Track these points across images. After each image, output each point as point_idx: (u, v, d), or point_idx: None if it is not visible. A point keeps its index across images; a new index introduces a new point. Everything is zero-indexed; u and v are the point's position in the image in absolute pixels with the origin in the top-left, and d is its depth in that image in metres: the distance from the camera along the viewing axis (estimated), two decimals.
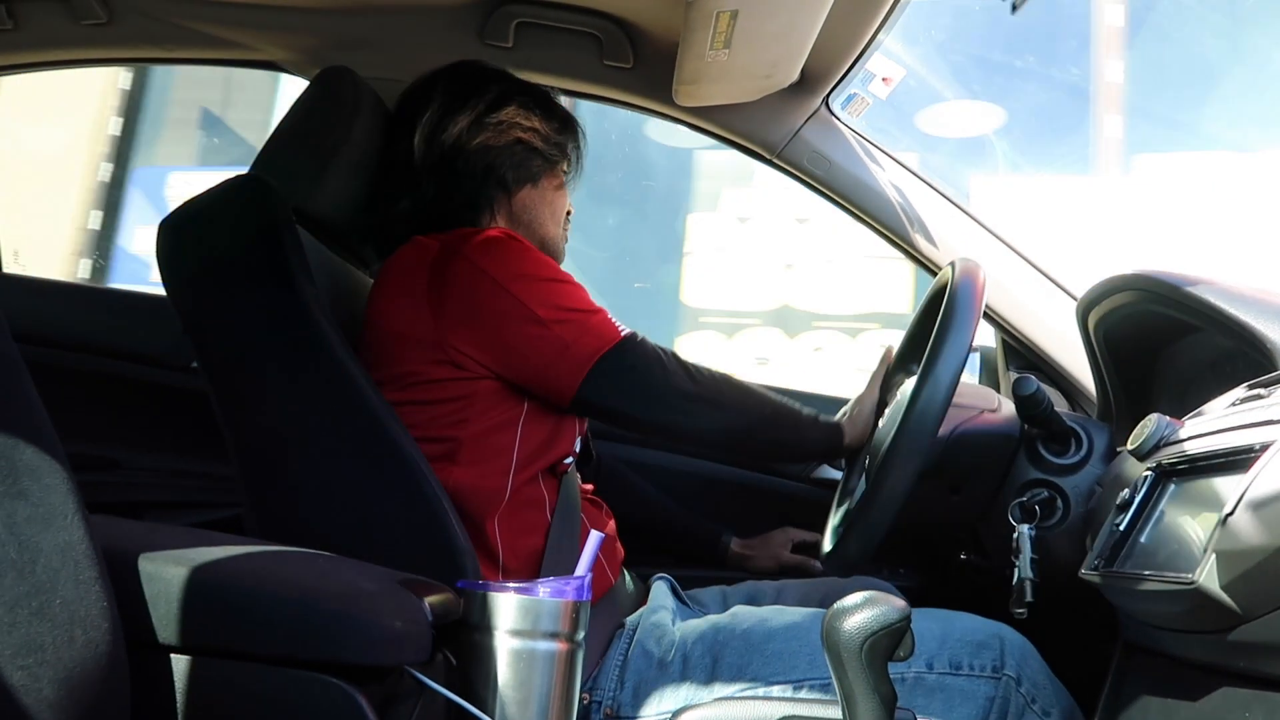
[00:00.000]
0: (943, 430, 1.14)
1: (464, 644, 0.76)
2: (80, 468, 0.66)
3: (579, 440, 1.27)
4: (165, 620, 0.74)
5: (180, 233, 1.21)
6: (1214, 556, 0.72)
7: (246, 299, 1.17)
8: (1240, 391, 0.94)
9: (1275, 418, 0.79)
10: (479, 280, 1.16)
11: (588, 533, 0.82)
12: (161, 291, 1.23)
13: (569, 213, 1.39)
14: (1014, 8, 1.14)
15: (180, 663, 0.74)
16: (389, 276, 1.24)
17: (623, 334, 1.17)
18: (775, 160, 1.62)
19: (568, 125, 1.35)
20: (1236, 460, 0.80)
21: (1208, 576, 0.72)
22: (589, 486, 1.40)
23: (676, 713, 0.94)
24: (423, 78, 1.34)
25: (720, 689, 1.09)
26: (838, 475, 1.60)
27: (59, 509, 0.64)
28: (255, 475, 1.21)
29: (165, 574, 0.75)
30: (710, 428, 1.20)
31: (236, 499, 1.27)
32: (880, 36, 1.41)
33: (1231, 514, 0.73)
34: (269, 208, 1.17)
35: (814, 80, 1.51)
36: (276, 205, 1.17)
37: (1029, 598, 1.12)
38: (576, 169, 1.39)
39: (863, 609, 0.79)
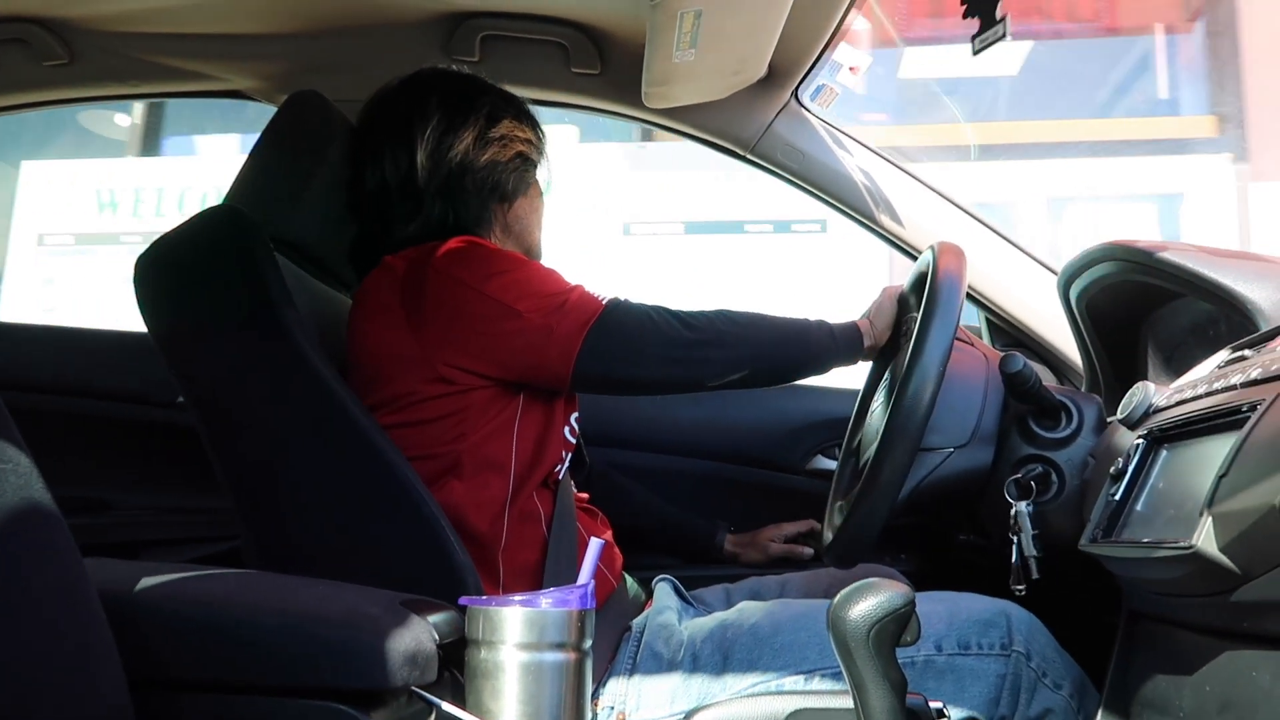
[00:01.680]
0: (908, 484, 1.14)
1: (471, 661, 0.76)
2: (71, 511, 0.66)
3: (567, 452, 1.26)
4: (166, 658, 0.73)
5: (157, 267, 1.20)
6: (1210, 519, 0.72)
7: (229, 330, 1.16)
8: (1224, 354, 0.94)
9: (1260, 377, 0.79)
10: (453, 289, 1.16)
11: (586, 541, 0.82)
12: (142, 329, 1.22)
13: None
14: (975, 52, 1.15)
15: (184, 700, 0.73)
16: (364, 301, 1.24)
17: (604, 303, 1.17)
18: (749, 156, 1.62)
19: (541, 132, 1.37)
20: (1226, 422, 0.80)
21: (1205, 539, 0.72)
22: (584, 496, 1.40)
23: (690, 712, 0.94)
24: (403, 91, 1.31)
25: (732, 685, 1.09)
26: (833, 466, 1.60)
27: (52, 554, 0.64)
28: (250, 506, 1.20)
29: (163, 611, 0.75)
30: (717, 369, 1.20)
31: (233, 532, 1.26)
32: (844, 26, 1.42)
33: (1225, 475, 0.73)
34: (246, 237, 1.17)
35: (782, 74, 1.52)
36: (253, 234, 1.17)
37: (1035, 575, 1.12)
38: (549, 172, 1.40)
39: (867, 597, 0.79)
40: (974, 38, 1.15)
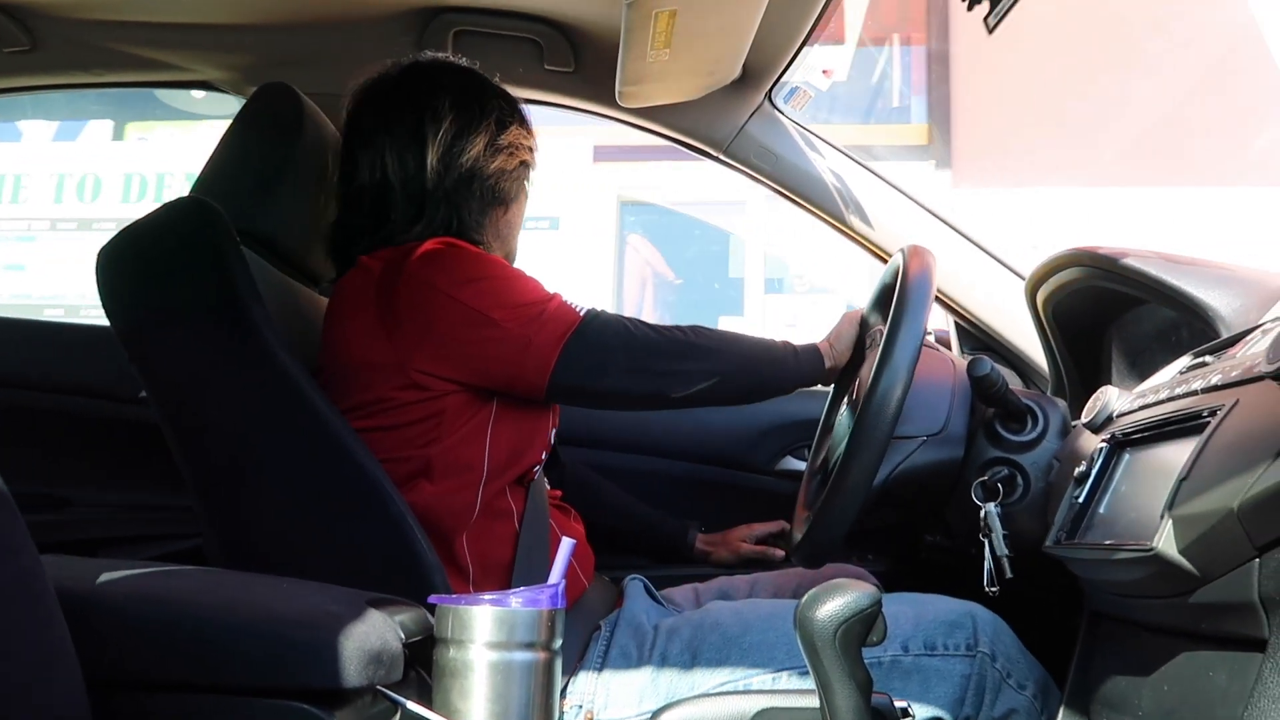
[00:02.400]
0: (882, 471, 1.16)
1: (439, 660, 0.75)
2: (29, 508, 0.64)
3: (546, 452, 1.26)
4: (125, 657, 0.72)
5: (120, 260, 1.18)
6: (1171, 522, 0.73)
7: (193, 324, 1.14)
8: (1186, 360, 0.96)
9: (1220, 383, 0.81)
10: (428, 294, 1.15)
11: (558, 540, 0.82)
12: (104, 322, 1.20)
13: None
14: (990, 29, 1.15)
15: (145, 700, 0.72)
16: (339, 303, 1.22)
17: (581, 314, 1.16)
18: (722, 157, 1.63)
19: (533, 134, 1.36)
20: (1187, 427, 0.82)
21: (1166, 542, 0.73)
22: (557, 492, 1.39)
23: (657, 711, 0.94)
24: (410, 83, 1.27)
25: (701, 684, 1.09)
26: (802, 466, 1.61)
27: (7, 551, 0.62)
28: (213, 503, 1.18)
29: (123, 609, 0.73)
30: (691, 384, 1.20)
31: (195, 529, 1.24)
32: (818, 29, 1.43)
33: (1185, 479, 0.74)
34: (212, 229, 1.15)
35: (756, 76, 1.52)
36: (220, 226, 1.15)
37: (1008, 574, 1.13)
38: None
39: (834, 597, 0.79)
40: (986, 18, 1.14)
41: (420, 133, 1.24)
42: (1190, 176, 4.32)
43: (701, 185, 4.96)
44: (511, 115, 1.29)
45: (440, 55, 1.34)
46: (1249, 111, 4.27)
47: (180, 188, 4.86)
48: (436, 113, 1.24)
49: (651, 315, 4.97)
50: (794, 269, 5.04)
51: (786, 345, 1.28)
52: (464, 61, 1.33)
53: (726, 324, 4.92)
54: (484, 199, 1.26)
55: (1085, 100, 4.27)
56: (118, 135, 5.10)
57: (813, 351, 1.29)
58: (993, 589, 1.14)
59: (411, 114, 1.25)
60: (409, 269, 1.16)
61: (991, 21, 1.12)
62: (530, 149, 1.31)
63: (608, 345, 1.16)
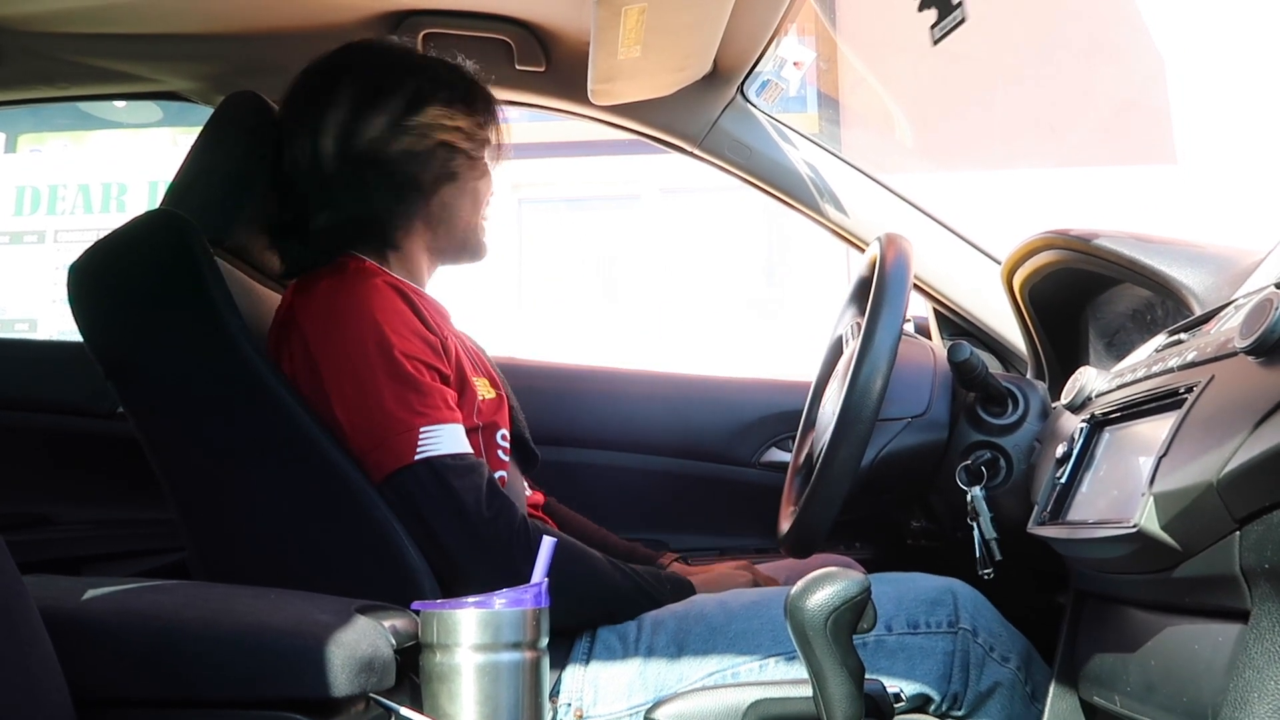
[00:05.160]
0: (867, 455, 1.16)
1: (426, 665, 0.75)
2: (9, 527, 0.64)
3: (500, 470, 1.21)
4: (113, 676, 0.71)
5: (93, 274, 1.17)
6: (1152, 499, 0.74)
7: (169, 337, 1.13)
8: (1162, 338, 0.97)
9: (1196, 359, 0.82)
10: (302, 342, 1.13)
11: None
12: (78, 338, 1.19)
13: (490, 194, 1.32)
14: (935, 41, 1.16)
15: (133, 717, 0.71)
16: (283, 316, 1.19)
17: (414, 458, 1.07)
18: (697, 152, 1.63)
19: (490, 111, 1.28)
20: (1164, 404, 0.82)
21: (1148, 518, 0.74)
22: (539, 499, 1.39)
23: (650, 706, 0.94)
24: (321, 63, 1.23)
25: (689, 675, 1.09)
26: (786, 458, 1.62)
27: None
28: (195, 516, 1.17)
29: (109, 627, 0.73)
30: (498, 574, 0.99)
31: (178, 544, 1.23)
32: (787, 22, 1.43)
33: (1165, 456, 0.75)
34: (185, 241, 1.14)
35: (728, 70, 1.53)
36: (192, 238, 1.14)
37: (998, 556, 1.14)
38: (499, 152, 1.31)
39: (823, 586, 0.80)
40: (933, 27, 1.16)
41: (316, 117, 1.19)
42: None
43: (597, 180, 5.03)
44: (432, 95, 1.21)
45: (372, 39, 1.28)
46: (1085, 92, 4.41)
47: (72, 199, 4.84)
48: (334, 96, 1.19)
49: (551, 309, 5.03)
50: (690, 258, 5.09)
51: (633, 578, 1.18)
52: (402, 43, 1.27)
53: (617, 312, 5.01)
54: (393, 187, 1.20)
55: (987, 92, 4.40)
56: (10, 147, 5.05)
57: (680, 581, 1.23)
58: (986, 571, 1.14)
59: (311, 99, 1.21)
60: (296, 309, 1.15)
61: (936, 34, 1.13)
62: (456, 130, 1.22)
63: (431, 498, 1.08)
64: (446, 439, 1.09)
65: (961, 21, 1.11)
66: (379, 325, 1.11)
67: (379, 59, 1.25)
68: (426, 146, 1.21)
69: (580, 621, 1.14)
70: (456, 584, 1.08)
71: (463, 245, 1.30)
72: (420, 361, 1.12)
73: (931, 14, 1.14)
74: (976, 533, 1.16)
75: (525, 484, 1.34)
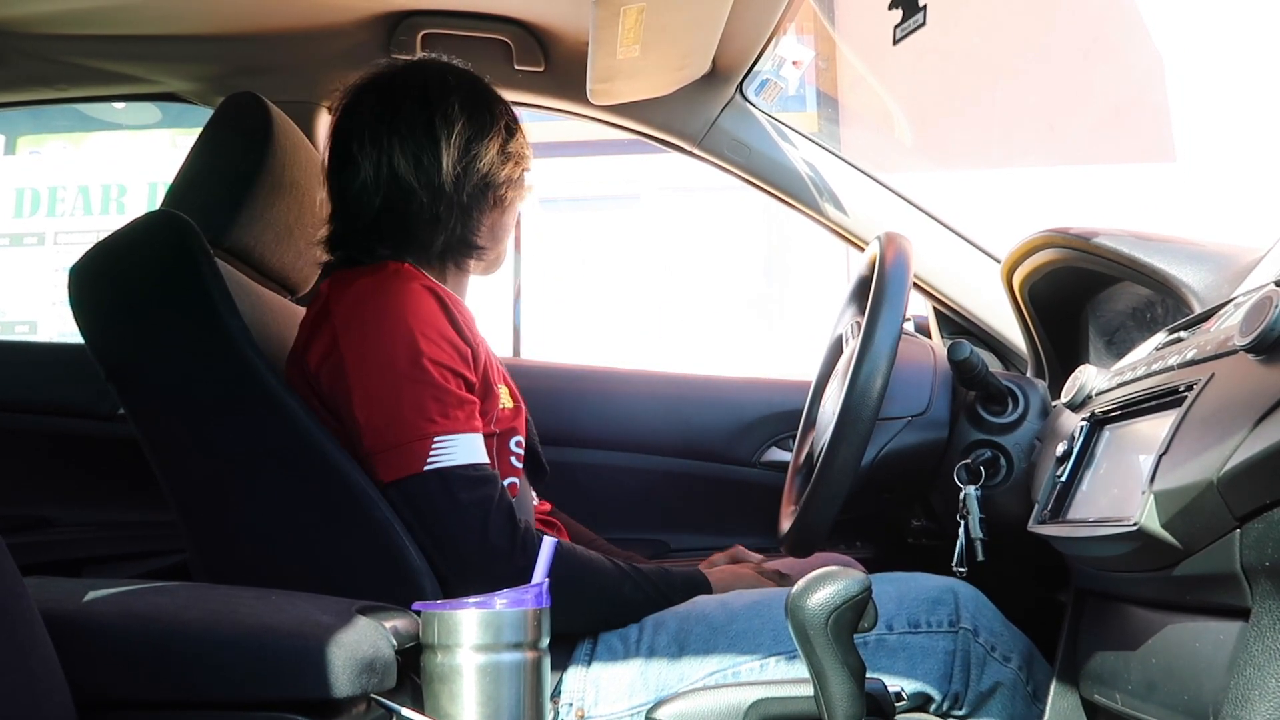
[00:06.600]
0: (868, 453, 1.16)
1: (427, 665, 0.75)
2: (10, 529, 0.64)
3: (514, 477, 1.22)
4: (115, 678, 0.71)
5: (93, 276, 1.17)
6: (1152, 497, 0.74)
7: (169, 339, 1.13)
8: (1161, 336, 0.97)
9: (1196, 357, 0.82)
10: (333, 344, 1.13)
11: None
12: (78, 340, 1.19)
13: None
14: (895, 41, 1.18)
15: (134, 719, 0.71)
16: (313, 315, 1.19)
17: (425, 468, 1.07)
18: (696, 151, 1.63)
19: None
20: (1165, 402, 0.82)
21: (1148, 517, 0.74)
22: (546, 506, 1.39)
23: (651, 706, 0.94)
24: (416, 81, 1.23)
25: (690, 674, 1.09)
26: (787, 457, 1.62)
27: None
28: (196, 518, 1.17)
29: (111, 629, 0.73)
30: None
31: (179, 545, 1.23)
32: (786, 21, 1.43)
33: (1165, 454, 0.75)
34: (185, 243, 1.14)
35: (727, 69, 1.53)
36: (193, 239, 1.14)
37: (980, 557, 1.14)
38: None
39: (824, 585, 0.80)
40: (896, 27, 1.17)
41: (433, 133, 1.19)
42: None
43: (597, 180, 5.02)
44: (516, 123, 1.27)
45: (440, 57, 1.29)
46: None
47: (72, 200, 4.85)
48: (448, 114, 1.20)
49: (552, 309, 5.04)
50: (690, 258, 5.10)
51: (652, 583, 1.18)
52: (467, 66, 1.29)
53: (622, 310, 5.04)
54: (491, 205, 1.25)
55: (986, 90, 4.42)
56: (9, 150, 5.06)
57: (695, 576, 1.23)
58: (960, 569, 1.15)
59: (423, 113, 1.20)
60: (333, 309, 1.14)
61: (899, 34, 1.15)
62: (530, 158, 1.29)
63: (439, 510, 1.08)
64: (462, 449, 1.09)
65: (921, 25, 1.13)
66: (410, 329, 1.11)
67: (476, 83, 1.27)
68: (520, 173, 1.27)
69: (588, 629, 1.14)
70: (457, 587, 1.09)
71: (499, 256, 1.32)
72: (448, 369, 1.12)
73: (898, 14, 1.15)
74: (962, 530, 1.16)
75: (533, 493, 1.34)
